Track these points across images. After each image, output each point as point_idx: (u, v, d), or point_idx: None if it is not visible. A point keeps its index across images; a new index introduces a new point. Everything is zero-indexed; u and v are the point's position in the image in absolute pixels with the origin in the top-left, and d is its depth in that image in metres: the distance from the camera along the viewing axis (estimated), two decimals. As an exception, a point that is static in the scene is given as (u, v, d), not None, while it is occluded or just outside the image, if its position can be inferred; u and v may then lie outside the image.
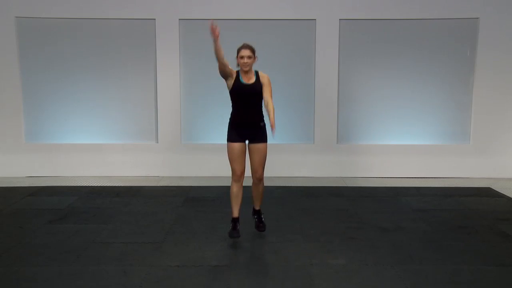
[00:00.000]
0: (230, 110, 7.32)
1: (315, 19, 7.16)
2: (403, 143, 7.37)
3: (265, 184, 4.67)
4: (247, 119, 4.33)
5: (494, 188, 6.62)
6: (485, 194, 6.32)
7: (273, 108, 4.21)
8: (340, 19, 7.14)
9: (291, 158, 7.25)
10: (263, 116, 4.38)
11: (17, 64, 7.17)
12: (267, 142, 4.40)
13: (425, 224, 5.00)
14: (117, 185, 6.76)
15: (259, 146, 4.34)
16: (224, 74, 4.28)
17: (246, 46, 4.29)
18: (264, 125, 4.38)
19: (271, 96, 4.28)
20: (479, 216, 5.29)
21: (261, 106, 4.35)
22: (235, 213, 4.38)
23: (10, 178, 7.10)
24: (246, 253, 4.20)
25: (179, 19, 7.16)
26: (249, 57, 4.25)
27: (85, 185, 6.76)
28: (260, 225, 4.64)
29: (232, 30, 7.19)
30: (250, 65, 4.28)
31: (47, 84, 7.29)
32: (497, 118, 7.28)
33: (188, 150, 7.37)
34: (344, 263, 3.96)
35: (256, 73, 4.36)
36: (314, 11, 7.14)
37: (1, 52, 7.13)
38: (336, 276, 3.73)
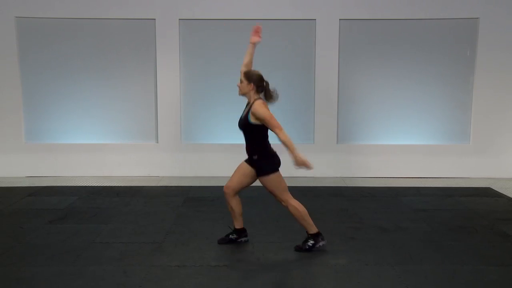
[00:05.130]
0: (230, 109, 7.35)
1: (315, 19, 7.16)
2: (403, 143, 7.37)
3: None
4: (245, 150, 4.20)
5: (494, 188, 6.63)
6: (485, 194, 6.32)
7: (284, 141, 3.90)
8: (340, 19, 7.15)
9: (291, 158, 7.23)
10: (256, 149, 4.10)
11: (17, 64, 7.17)
12: (269, 174, 4.08)
13: (425, 224, 5.00)
14: (117, 185, 6.76)
15: (260, 179, 4.16)
16: None
17: (243, 72, 4.15)
18: (257, 158, 4.09)
19: (276, 127, 3.91)
20: (479, 216, 5.29)
21: (252, 140, 4.11)
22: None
23: (10, 178, 7.11)
24: (246, 253, 4.20)
25: (179, 19, 7.17)
26: (240, 82, 4.12)
27: (85, 185, 6.76)
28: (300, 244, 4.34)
29: (232, 30, 7.20)
30: (241, 90, 4.11)
31: (47, 84, 7.29)
32: (497, 118, 7.28)
33: (188, 150, 7.37)
34: (344, 263, 3.96)
35: (253, 104, 4.03)
36: (314, 11, 7.15)
37: (1, 52, 7.14)
38: (336, 276, 3.73)
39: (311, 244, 4.20)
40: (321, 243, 4.21)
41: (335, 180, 7.18)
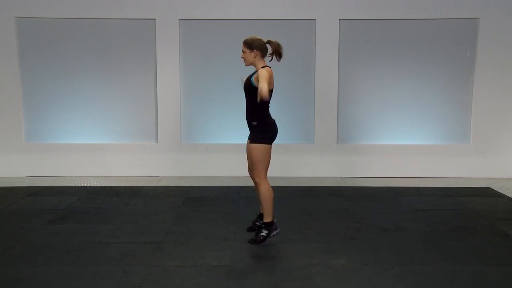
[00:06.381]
0: (230, 109, 7.36)
1: (315, 19, 7.16)
2: (403, 143, 7.37)
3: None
4: (246, 117, 4.27)
5: (494, 188, 6.62)
6: (485, 194, 6.32)
7: (261, 88, 3.77)
8: (340, 19, 7.14)
9: (291, 158, 7.25)
10: (256, 116, 4.13)
11: (17, 64, 7.17)
12: (259, 143, 4.10)
13: (425, 224, 5.00)
14: (117, 185, 6.76)
15: (248, 146, 4.19)
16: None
17: (243, 42, 4.20)
18: (256, 125, 4.13)
19: (263, 80, 3.86)
20: (479, 216, 5.30)
21: (253, 105, 4.11)
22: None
23: (10, 178, 7.10)
24: (246, 253, 4.20)
25: (179, 19, 7.17)
26: (243, 52, 4.18)
27: (85, 185, 6.76)
28: (254, 236, 4.35)
29: (232, 30, 7.20)
30: (246, 60, 4.17)
31: (47, 84, 7.29)
32: (497, 118, 7.28)
33: (188, 150, 7.37)
34: (344, 263, 3.96)
35: (260, 69, 4.06)
36: (314, 11, 7.14)
37: (1, 52, 7.13)
38: (336, 276, 3.73)
39: (265, 234, 4.23)
40: (274, 232, 4.26)
41: (335, 180, 7.18)
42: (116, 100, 7.36)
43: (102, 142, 7.39)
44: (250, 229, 4.56)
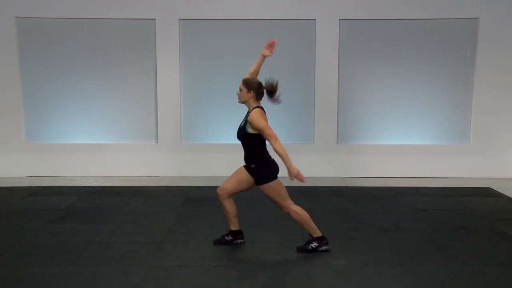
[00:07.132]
0: (230, 109, 7.34)
1: (315, 19, 7.16)
2: (403, 143, 7.38)
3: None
4: (244, 160, 4.20)
5: (494, 188, 6.62)
6: (485, 194, 6.32)
7: (279, 151, 3.90)
8: (340, 19, 7.15)
9: (291, 158, 7.22)
10: (254, 158, 4.10)
11: (17, 64, 7.17)
12: (268, 183, 4.07)
13: (425, 224, 5.00)
14: (117, 185, 6.76)
15: (260, 188, 4.12)
16: None
17: (242, 80, 4.14)
18: (255, 167, 4.09)
19: (271, 137, 3.93)
20: (479, 216, 5.30)
21: (251, 149, 4.11)
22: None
23: (10, 178, 7.11)
24: (246, 253, 4.20)
25: (179, 19, 7.17)
26: (240, 90, 4.11)
27: (85, 185, 6.76)
28: (303, 245, 4.31)
29: (232, 30, 7.21)
30: (241, 98, 4.10)
31: (47, 84, 7.29)
32: (497, 118, 7.28)
33: (188, 150, 7.37)
34: (344, 263, 3.96)
35: (251, 113, 4.04)
36: (314, 11, 7.15)
37: (1, 52, 7.14)
38: (336, 276, 3.73)
39: (314, 246, 4.20)
40: (324, 247, 4.21)
41: (335, 180, 7.18)
42: (116, 100, 7.36)
43: (102, 142, 7.39)
44: (217, 242, 4.40)
